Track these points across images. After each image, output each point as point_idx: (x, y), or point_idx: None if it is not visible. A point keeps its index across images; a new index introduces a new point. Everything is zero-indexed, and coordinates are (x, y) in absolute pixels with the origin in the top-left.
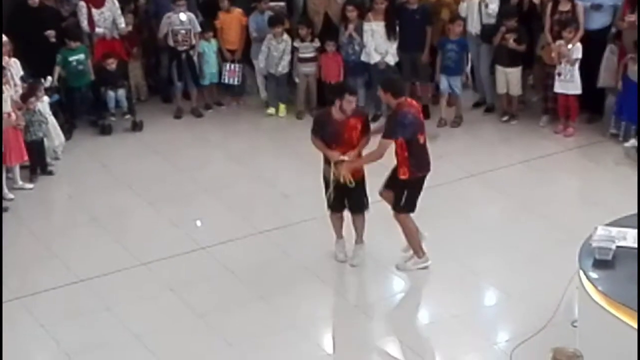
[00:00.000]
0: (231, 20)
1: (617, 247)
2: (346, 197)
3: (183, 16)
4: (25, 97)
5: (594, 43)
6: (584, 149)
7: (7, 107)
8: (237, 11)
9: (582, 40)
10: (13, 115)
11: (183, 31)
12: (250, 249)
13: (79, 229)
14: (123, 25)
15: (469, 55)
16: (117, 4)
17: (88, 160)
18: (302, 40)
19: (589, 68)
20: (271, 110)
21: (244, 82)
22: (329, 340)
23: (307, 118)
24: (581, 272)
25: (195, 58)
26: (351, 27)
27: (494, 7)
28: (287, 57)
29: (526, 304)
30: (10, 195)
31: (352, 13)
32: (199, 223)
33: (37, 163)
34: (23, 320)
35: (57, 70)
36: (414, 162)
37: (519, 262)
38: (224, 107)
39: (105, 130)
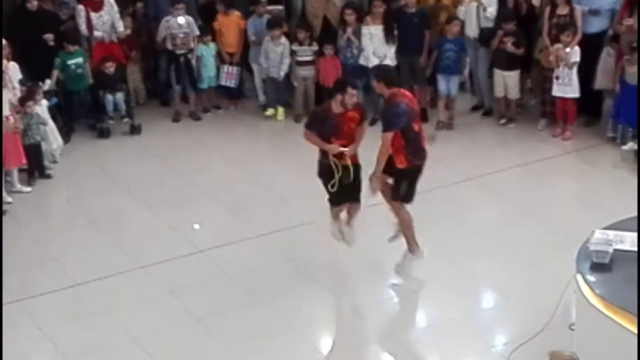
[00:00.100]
0: (229, 23)
1: (615, 250)
2: (351, 186)
3: (181, 20)
4: (23, 101)
5: (591, 46)
6: (582, 152)
7: (5, 110)
8: (236, 14)
9: (580, 44)
10: (11, 119)
11: (181, 35)
12: (248, 252)
13: (77, 232)
14: (122, 28)
15: (467, 60)
16: (115, 7)
17: (86, 164)
18: (301, 44)
19: (586, 71)
20: (270, 111)
21: (242, 86)
22: (327, 343)
23: (305, 121)
24: (579, 276)
25: (193, 62)
26: (349, 30)
27: (492, 10)
28: (287, 60)
29: (524, 307)
30: (9, 199)
31: (350, 16)
32: (197, 226)
33: (35, 166)
34: (22, 323)
35: (56, 73)
36: (410, 150)
37: (516, 265)
38: (222, 110)
39: (104, 134)
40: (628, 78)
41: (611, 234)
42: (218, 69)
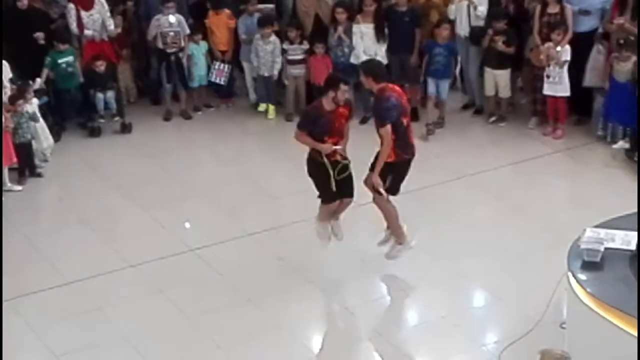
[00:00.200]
0: (219, 22)
1: (606, 249)
2: (344, 181)
3: (172, 18)
4: (13, 100)
5: (582, 45)
6: (573, 151)
7: None
8: (225, 13)
9: (570, 43)
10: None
11: (172, 33)
12: (239, 251)
13: (69, 231)
14: (112, 27)
15: (458, 58)
16: (106, 6)
17: (77, 163)
18: (291, 43)
19: (577, 70)
20: (262, 106)
21: (233, 84)
22: (317, 341)
23: (296, 120)
24: (570, 274)
25: (184, 60)
26: (340, 29)
27: (482, 9)
28: (279, 59)
29: (515, 305)
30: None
31: (341, 15)
32: (188, 225)
33: (26, 165)
34: (12, 322)
35: (46, 72)
36: (399, 144)
37: (507, 263)
38: (213, 109)
39: (94, 133)
40: (616, 75)
41: (602, 232)
42: (209, 67)
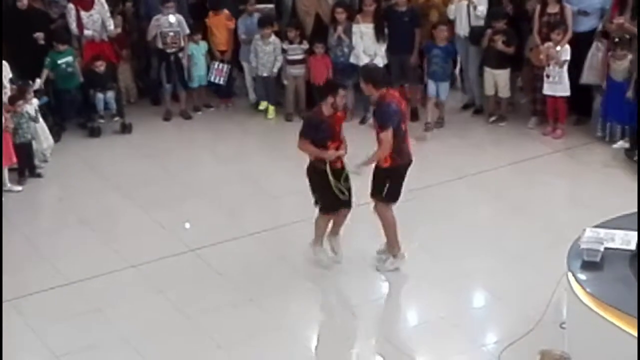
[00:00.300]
0: (218, 22)
1: (605, 248)
2: (348, 191)
3: (172, 18)
4: (13, 100)
5: (582, 45)
6: (573, 150)
7: None
8: (224, 14)
9: (570, 42)
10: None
11: (172, 33)
12: (239, 251)
13: (69, 232)
14: (112, 27)
15: (458, 58)
16: (106, 6)
17: (77, 163)
18: (291, 42)
19: (577, 70)
20: (263, 104)
21: (232, 84)
22: (318, 341)
23: (296, 120)
24: (569, 274)
25: (184, 61)
26: (340, 29)
27: (482, 9)
28: (280, 58)
29: (514, 305)
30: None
31: (341, 15)
32: (188, 225)
33: (26, 165)
34: (12, 323)
35: (46, 73)
36: (396, 150)
37: (507, 263)
38: (213, 109)
39: (94, 133)
40: (613, 74)
41: (602, 232)
42: (209, 67)
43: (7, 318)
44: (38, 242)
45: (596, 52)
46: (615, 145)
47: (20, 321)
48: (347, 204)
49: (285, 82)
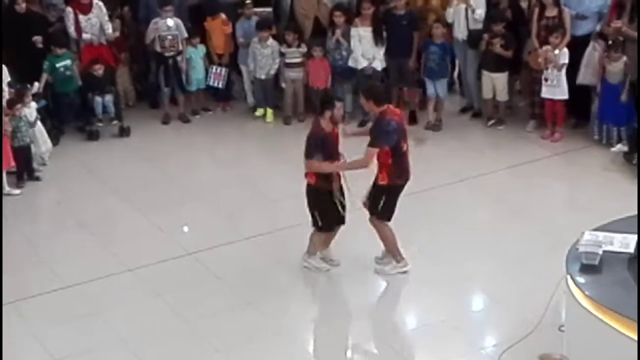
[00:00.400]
0: (215, 26)
1: (604, 252)
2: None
3: (170, 22)
4: (12, 103)
5: (580, 48)
6: (571, 154)
7: None
8: (221, 19)
9: (568, 46)
10: None
11: (170, 37)
12: (237, 254)
13: (67, 235)
14: (110, 31)
15: (456, 60)
16: (104, 10)
17: (75, 166)
18: (289, 46)
19: (575, 73)
20: (259, 111)
21: (231, 88)
22: (316, 345)
23: (294, 123)
24: (568, 277)
25: (182, 64)
26: (338, 32)
27: (480, 12)
28: (278, 60)
29: (513, 308)
30: None
31: (339, 18)
32: (186, 229)
33: (24, 169)
34: (11, 326)
35: (45, 77)
36: (395, 169)
37: (506, 266)
38: (211, 112)
39: (93, 136)
40: (608, 77)
41: (601, 235)
42: (207, 71)
43: (6, 321)
44: (36, 245)
45: (593, 50)
46: (614, 149)
47: (19, 324)
48: (343, 220)
49: (283, 85)
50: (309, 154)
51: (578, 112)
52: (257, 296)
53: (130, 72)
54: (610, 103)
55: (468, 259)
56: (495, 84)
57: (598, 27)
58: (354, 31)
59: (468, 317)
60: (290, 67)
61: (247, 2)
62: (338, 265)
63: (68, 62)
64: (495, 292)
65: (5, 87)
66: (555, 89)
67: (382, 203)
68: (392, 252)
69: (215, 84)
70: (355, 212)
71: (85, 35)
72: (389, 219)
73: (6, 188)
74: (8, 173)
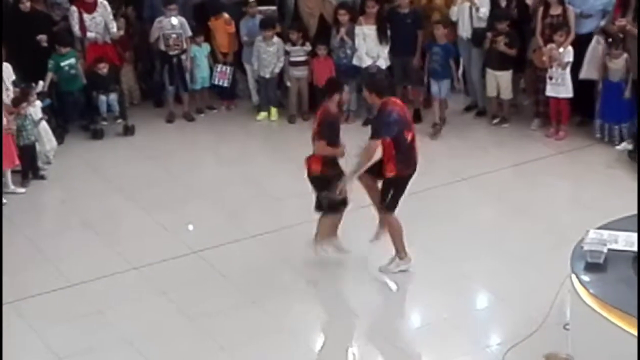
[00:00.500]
0: (219, 25)
1: (609, 250)
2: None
3: (174, 20)
4: (17, 102)
5: (584, 47)
6: (576, 152)
7: None
8: (224, 18)
9: (572, 44)
10: (4, 120)
11: (174, 35)
12: (242, 253)
13: (71, 234)
14: (114, 29)
15: (461, 60)
16: (109, 8)
17: (80, 165)
18: (293, 44)
19: (580, 71)
20: (262, 115)
21: (235, 86)
22: (320, 343)
23: (299, 122)
24: (573, 275)
25: (187, 63)
26: (343, 30)
27: (484, 10)
28: (282, 59)
29: (518, 307)
30: (3, 200)
31: (343, 17)
32: (191, 227)
33: (29, 167)
34: (14, 324)
35: (50, 76)
36: (401, 160)
37: (510, 265)
38: (215, 111)
39: (97, 135)
40: (609, 74)
41: (605, 233)
42: (211, 69)
43: (10, 320)
44: (41, 244)
45: (597, 45)
46: (618, 147)
47: (23, 323)
48: (346, 202)
49: (288, 83)
50: (321, 134)
51: (582, 111)
52: (261, 294)
53: (134, 71)
54: (611, 101)
55: (471, 258)
56: (500, 82)
57: (602, 23)
58: (358, 29)
59: (472, 315)
60: (294, 65)
61: (251, 0)
62: (349, 252)
63: (72, 60)
64: (499, 291)
65: (10, 86)
66: (560, 87)
67: (390, 195)
68: (397, 246)
69: (220, 83)
70: (357, 211)
71: (89, 34)
72: (392, 211)
73: (11, 187)
74: (13, 172)
